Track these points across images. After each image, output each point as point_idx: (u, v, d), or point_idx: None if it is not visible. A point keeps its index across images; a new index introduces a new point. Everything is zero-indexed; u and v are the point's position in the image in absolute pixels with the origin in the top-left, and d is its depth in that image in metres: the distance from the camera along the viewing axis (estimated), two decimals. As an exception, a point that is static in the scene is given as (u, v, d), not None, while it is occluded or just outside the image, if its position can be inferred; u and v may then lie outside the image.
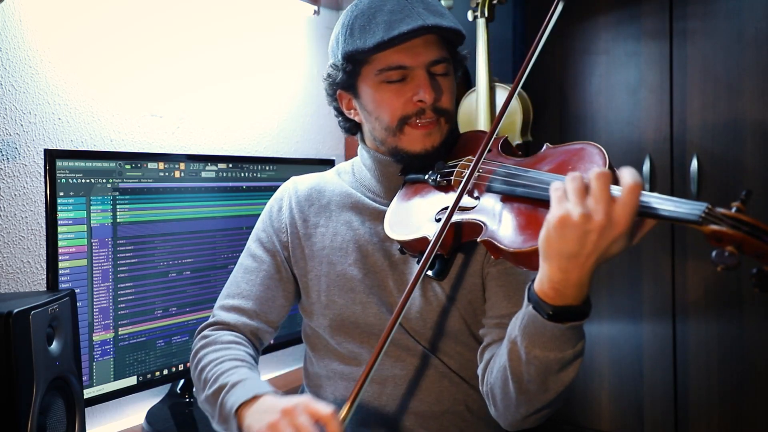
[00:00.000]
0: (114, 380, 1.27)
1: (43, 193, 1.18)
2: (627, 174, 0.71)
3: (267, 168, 1.57)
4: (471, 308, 1.05)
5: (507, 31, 2.18)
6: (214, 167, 1.45)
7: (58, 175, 1.17)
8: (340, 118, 1.16)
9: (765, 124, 1.76)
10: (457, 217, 0.93)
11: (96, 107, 1.42)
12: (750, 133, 1.78)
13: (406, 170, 1.08)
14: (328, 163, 1.70)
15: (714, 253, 0.68)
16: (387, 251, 1.08)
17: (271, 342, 1.57)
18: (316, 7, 1.92)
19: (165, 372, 1.37)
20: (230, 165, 1.49)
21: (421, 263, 0.88)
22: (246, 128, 1.79)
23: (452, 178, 1.01)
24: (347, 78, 1.07)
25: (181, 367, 1.41)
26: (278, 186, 1.23)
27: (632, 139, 1.96)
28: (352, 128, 1.15)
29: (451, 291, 1.04)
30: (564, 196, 0.73)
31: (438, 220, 0.95)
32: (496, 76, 2.01)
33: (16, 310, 0.92)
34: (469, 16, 1.97)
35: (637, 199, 0.70)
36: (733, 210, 0.69)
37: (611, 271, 2.00)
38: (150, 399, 1.45)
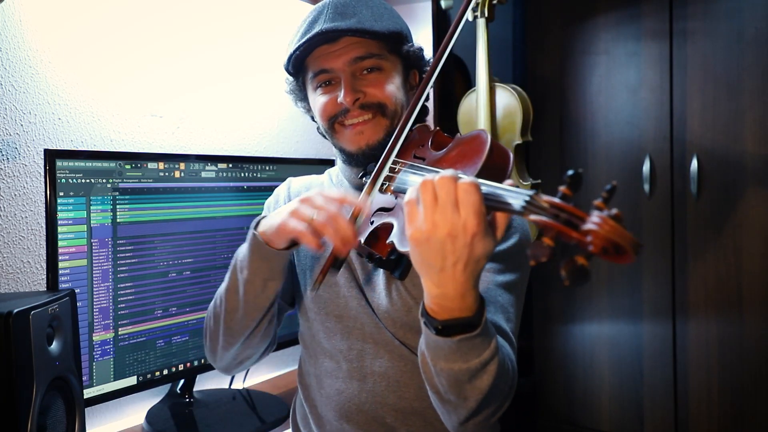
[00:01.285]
0: (114, 380, 1.27)
1: (43, 193, 1.18)
2: (464, 176, 0.70)
3: (267, 168, 1.57)
4: None
5: (507, 31, 2.18)
6: (214, 167, 1.45)
7: (58, 175, 1.17)
8: (317, 126, 1.18)
9: (765, 124, 1.76)
10: (379, 220, 0.92)
11: (96, 107, 1.42)
12: (750, 133, 1.78)
13: (365, 173, 1.08)
14: (328, 163, 1.70)
15: (529, 247, 0.63)
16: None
17: (271, 342, 1.57)
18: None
19: (165, 372, 1.37)
20: (230, 165, 1.49)
21: (324, 266, 0.91)
22: (246, 128, 1.79)
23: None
24: (296, 89, 1.15)
25: (181, 367, 1.41)
26: (278, 186, 1.26)
27: (632, 139, 1.96)
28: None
29: (414, 290, 1.04)
30: (414, 209, 0.72)
31: (372, 222, 0.94)
32: (496, 76, 2.01)
33: (16, 310, 0.92)
34: (469, 15, 1.97)
35: (477, 199, 0.68)
36: (558, 195, 0.64)
37: (611, 271, 2.00)
38: (150, 399, 1.45)
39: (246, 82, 1.78)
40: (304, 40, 1.02)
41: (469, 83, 2.21)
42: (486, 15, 1.93)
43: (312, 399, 1.14)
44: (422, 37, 2.01)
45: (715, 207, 1.83)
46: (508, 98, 1.97)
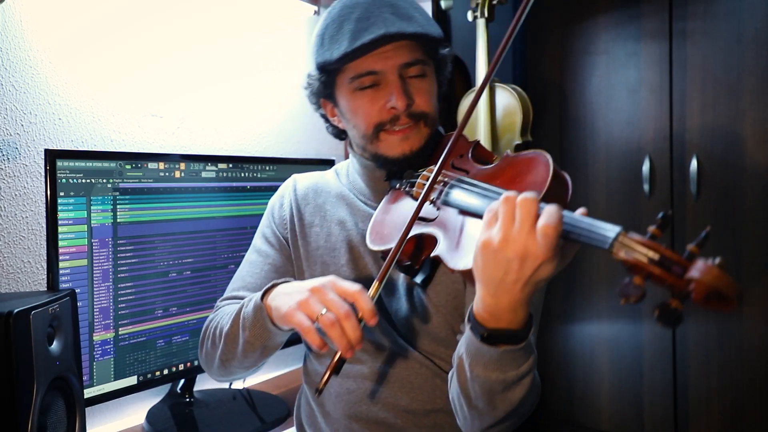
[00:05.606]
0: (114, 380, 1.27)
1: (44, 193, 1.18)
2: (548, 204, 0.69)
3: (267, 168, 1.57)
4: (457, 314, 1.04)
5: (507, 31, 2.19)
6: (214, 167, 1.45)
7: (58, 175, 1.17)
8: (327, 125, 1.17)
9: (765, 124, 1.76)
10: (418, 230, 0.91)
11: (96, 107, 1.42)
12: (750, 133, 1.78)
13: (391, 175, 1.08)
14: (328, 163, 1.70)
15: (620, 286, 0.63)
16: (375, 255, 1.09)
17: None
18: (316, 7, 1.92)
19: (165, 372, 1.37)
20: (230, 165, 1.49)
21: (378, 276, 0.87)
22: (246, 128, 1.79)
23: (415, 189, 1.00)
24: (324, 87, 1.08)
25: (181, 367, 1.41)
26: (278, 186, 1.26)
27: (632, 139, 1.96)
28: (339, 134, 1.17)
29: (436, 298, 1.04)
30: (494, 219, 0.72)
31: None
32: (496, 76, 2.01)
33: (16, 310, 0.92)
34: (469, 16, 1.97)
35: (557, 230, 0.68)
36: (648, 236, 0.64)
37: (611, 272, 2.00)
38: (150, 399, 1.45)
39: (246, 82, 1.78)
40: (367, 41, 0.96)
41: (469, 83, 2.21)
42: (486, 15, 1.94)
43: (320, 397, 1.13)
44: (422, 37, 2.00)
45: (715, 207, 1.83)
46: (508, 98, 1.97)
